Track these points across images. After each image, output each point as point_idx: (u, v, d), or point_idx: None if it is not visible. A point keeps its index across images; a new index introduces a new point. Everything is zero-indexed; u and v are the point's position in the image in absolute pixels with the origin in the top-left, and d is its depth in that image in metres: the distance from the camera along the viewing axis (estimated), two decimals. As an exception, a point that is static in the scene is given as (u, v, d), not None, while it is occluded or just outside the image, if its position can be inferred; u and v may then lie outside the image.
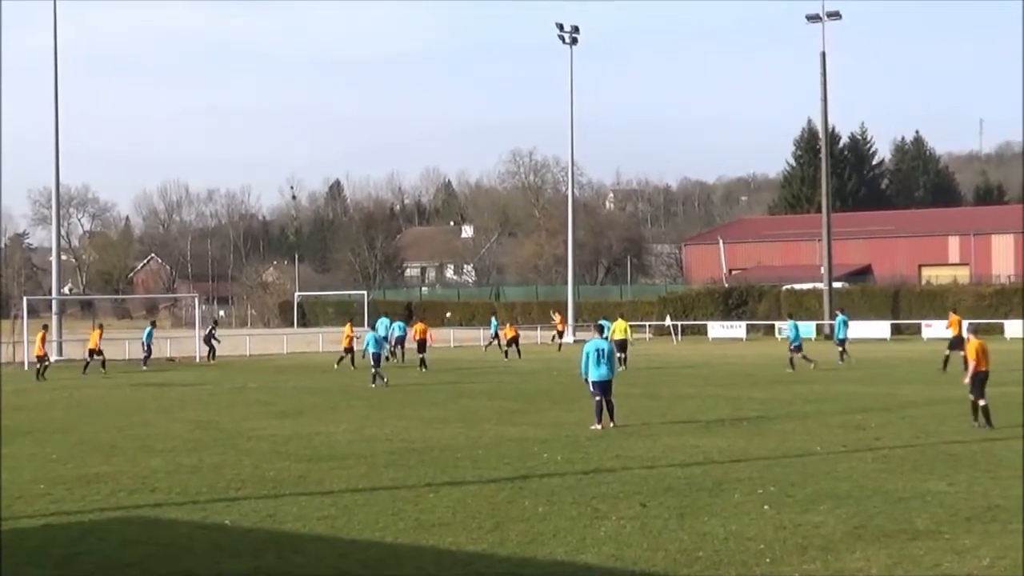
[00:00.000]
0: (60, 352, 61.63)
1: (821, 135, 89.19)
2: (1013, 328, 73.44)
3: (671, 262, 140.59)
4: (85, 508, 16.12)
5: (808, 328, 75.61)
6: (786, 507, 15.14)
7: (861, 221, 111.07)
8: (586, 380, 25.27)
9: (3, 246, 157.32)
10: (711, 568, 12.01)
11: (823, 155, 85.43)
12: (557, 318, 69.05)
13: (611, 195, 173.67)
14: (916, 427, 24.11)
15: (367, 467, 19.51)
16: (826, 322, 74.26)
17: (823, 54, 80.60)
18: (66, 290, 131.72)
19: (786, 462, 19.28)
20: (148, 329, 54.59)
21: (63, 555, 13.09)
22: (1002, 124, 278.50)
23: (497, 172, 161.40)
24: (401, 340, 54.02)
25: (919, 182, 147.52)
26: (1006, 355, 52.17)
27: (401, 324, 56.56)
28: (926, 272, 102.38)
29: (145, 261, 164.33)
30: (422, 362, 47.44)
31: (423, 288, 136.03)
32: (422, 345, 48.63)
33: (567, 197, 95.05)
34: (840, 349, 48.84)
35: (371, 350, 39.61)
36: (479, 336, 76.93)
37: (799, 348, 43.70)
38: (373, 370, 39.34)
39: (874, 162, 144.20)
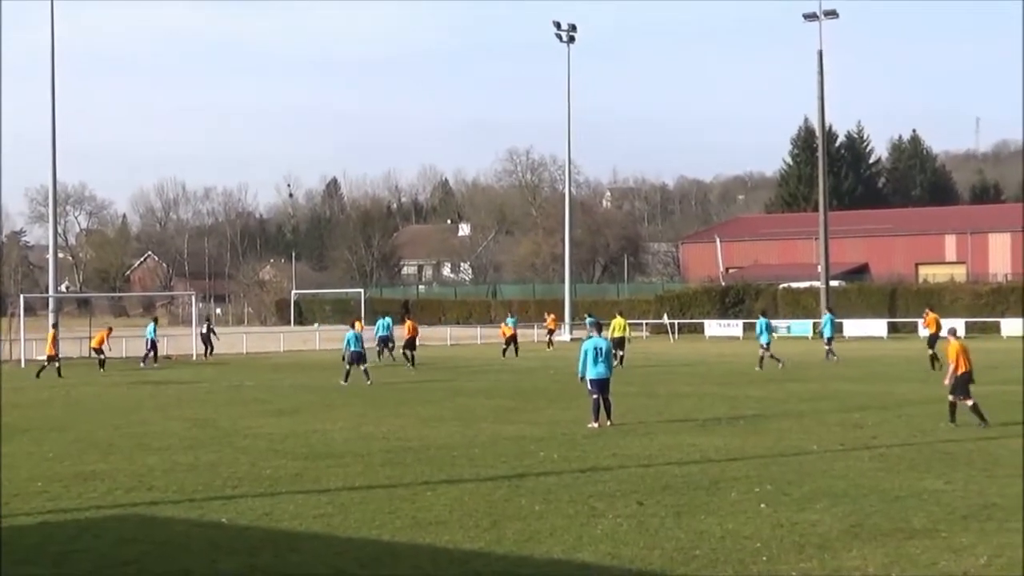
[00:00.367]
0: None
1: (818, 133, 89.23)
2: (1009, 327, 73.56)
3: (668, 260, 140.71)
4: (82, 506, 16.11)
5: (806, 326, 75.81)
6: (783, 505, 15.14)
7: (858, 220, 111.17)
8: (583, 379, 25.28)
9: (0, 244, 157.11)
10: (708, 566, 12.01)
11: (820, 153, 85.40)
12: (550, 318, 68.85)
13: (608, 193, 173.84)
14: (913, 425, 24.11)
15: (364, 465, 19.51)
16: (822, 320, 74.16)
17: (820, 53, 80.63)
18: (63, 288, 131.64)
19: (783, 460, 19.28)
20: (151, 326, 54.42)
21: (60, 552, 13.07)
22: (999, 123, 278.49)
23: (494, 170, 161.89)
24: (384, 339, 53.55)
25: (916, 181, 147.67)
26: (1003, 354, 52.24)
27: (387, 323, 56.39)
28: (923, 271, 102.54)
29: (142, 259, 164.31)
30: (411, 359, 47.45)
31: (420, 286, 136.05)
32: (411, 343, 48.59)
33: (564, 195, 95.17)
34: (827, 348, 49.18)
35: (351, 348, 39.60)
36: (476, 334, 76.97)
37: (768, 347, 43.72)
38: (348, 368, 39.32)
39: (871, 161, 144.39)
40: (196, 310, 69.48)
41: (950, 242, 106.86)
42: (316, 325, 40.27)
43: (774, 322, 79.79)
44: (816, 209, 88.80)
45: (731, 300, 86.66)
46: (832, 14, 79.40)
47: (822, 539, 13.12)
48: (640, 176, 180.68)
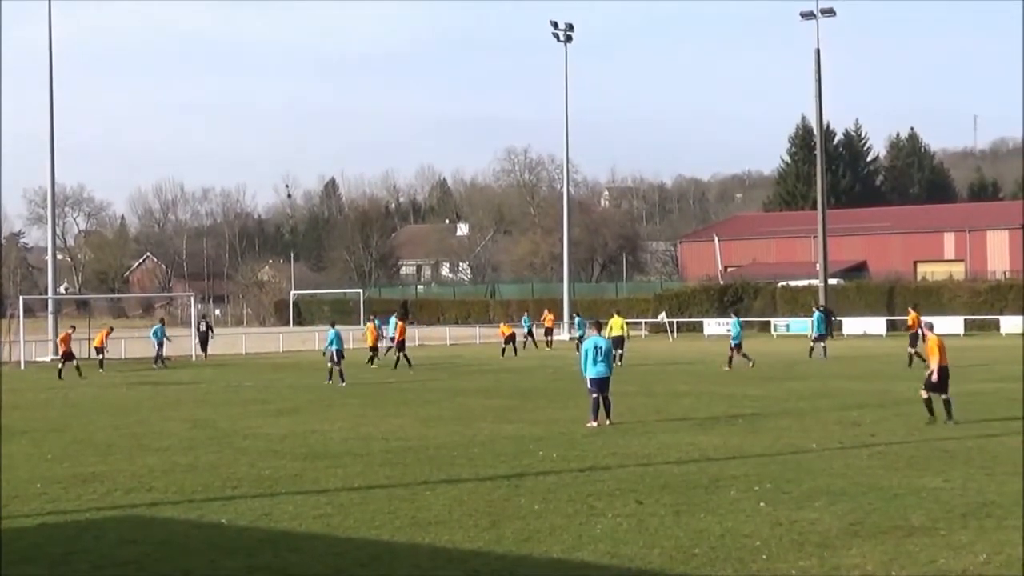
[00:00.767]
0: (56, 352, 61.58)
1: (816, 132, 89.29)
2: (1008, 324, 73.57)
3: (666, 259, 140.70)
4: (81, 507, 16.12)
5: (803, 325, 75.73)
6: (782, 504, 15.15)
7: (856, 218, 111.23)
8: (586, 378, 25.29)
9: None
10: (707, 565, 12.02)
11: (818, 152, 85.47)
12: (548, 316, 68.68)
13: (606, 193, 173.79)
14: (911, 423, 24.12)
15: (363, 465, 19.51)
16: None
17: (818, 51, 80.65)
18: (62, 289, 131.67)
19: (781, 459, 19.29)
20: (158, 327, 54.25)
21: (59, 554, 13.08)
22: (996, 120, 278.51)
23: (492, 170, 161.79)
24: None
25: (914, 178, 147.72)
26: (1002, 351, 52.31)
27: (377, 323, 56.75)
28: (921, 268, 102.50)
29: (141, 260, 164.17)
30: (404, 359, 47.50)
31: (419, 286, 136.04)
32: (401, 344, 48.63)
33: (562, 195, 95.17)
34: (817, 345, 49.38)
35: (334, 347, 39.61)
36: (475, 334, 76.97)
37: (739, 346, 43.68)
38: (330, 367, 39.46)
39: (869, 159, 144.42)
40: (195, 311, 69.44)
41: (948, 240, 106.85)
42: (334, 327, 40.15)
43: (773, 320, 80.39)
44: (814, 207, 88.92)
45: (730, 299, 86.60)
46: (829, 12, 79.48)
47: (821, 537, 13.13)
48: (638, 175, 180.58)
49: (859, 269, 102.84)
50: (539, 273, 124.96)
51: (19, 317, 58.42)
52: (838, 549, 12.55)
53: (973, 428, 23.30)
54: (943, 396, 24.21)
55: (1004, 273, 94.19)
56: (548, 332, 66.76)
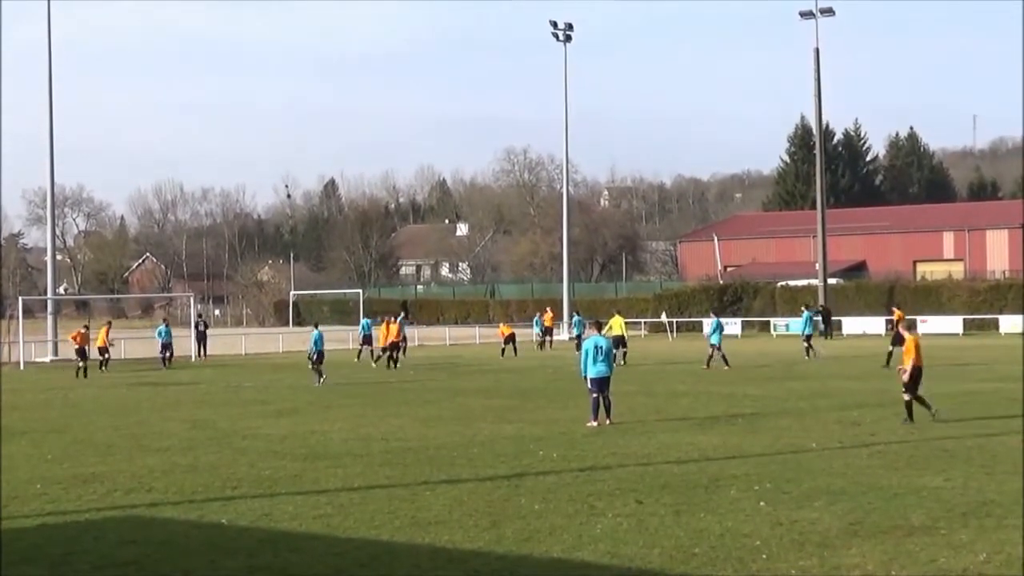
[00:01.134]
0: (56, 352, 61.63)
1: (815, 131, 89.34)
2: (1007, 324, 73.58)
3: (666, 259, 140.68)
4: (81, 507, 16.12)
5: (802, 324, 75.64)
6: (782, 503, 15.16)
7: (856, 217, 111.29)
8: (586, 378, 25.28)
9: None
10: (707, 565, 12.02)
11: (817, 151, 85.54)
12: (547, 315, 68.45)
13: (606, 192, 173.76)
14: (911, 423, 24.11)
15: (363, 466, 19.52)
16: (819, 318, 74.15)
17: (816, 51, 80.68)
18: (61, 290, 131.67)
19: (781, 459, 19.29)
20: (163, 327, 54.09)
21: (59, 554, 13.09)
22: (996, 120, 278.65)
23: (492, 170, 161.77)
24: (367, 339, 54.47)
25: (913, 178, 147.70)
26: (1001, 351, 52.31)
27: (367, 323, 57.09)
28: (921, 268, 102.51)
29: (140, 260, 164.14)
30: (394, 360, 47.63)
31: (418, 286, 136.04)
32: (394, 346, 48.70)
33: (562, 195, 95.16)
34: (806, 345, 49.43)
35: (316, 348, 39.76)
36: (475, 334, 76.95)
37: (719, 347, 43.62)
38: (312, 367, 39.60)
39: (868, 158, 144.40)
40: (194, 312, 69.42)
41: (948, 239, 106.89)
42: (317, 328, 40.37)
43: (773, 320, 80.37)
44: (814, 207, 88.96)
45: (729, 299, 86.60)
46: (829, 12, 79.53)
47: (821, 537, 13.13)
48: (638, 175, 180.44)
49: (858, 269, 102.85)
50: (539, 273, 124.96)
51: (18, 318, 58.43)
52: (838, 549, 12.55)
53: (973, 427, 23.31)
54: (905, 396, 24.22)
55: (1003, 272, 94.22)
56: (547, 332, 66.66)
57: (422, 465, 19.45)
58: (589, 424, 24.50)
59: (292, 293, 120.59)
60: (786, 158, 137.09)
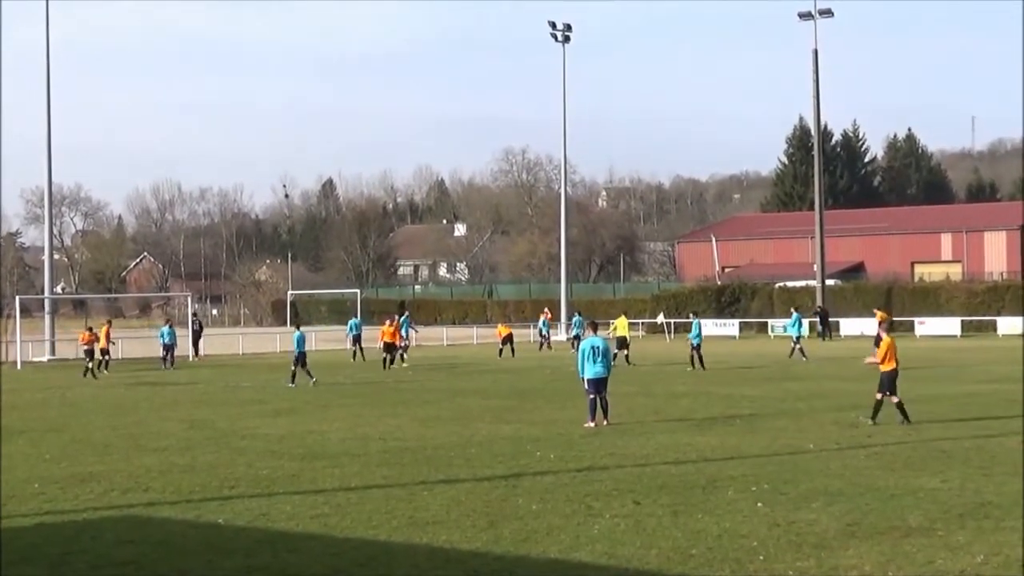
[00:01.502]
0: (53, 351, 61.61)
1: (813, 132, 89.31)
2: (1005, 325, 73.61)
3: (664, 260, 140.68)
4: (79, 507, 16.11)
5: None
6: (779, 504, 15.16)
7: (854, 218, 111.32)
8: (583, 379, 25.27)
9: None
10: (704, 566, 12.02)
11: (816, 152, 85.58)
12: (547, 316, 68.34)
13: (604, 193, 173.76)
14: (908, 424, 24.12)
15: (360, 465, 19.51)
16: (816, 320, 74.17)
17: (815, 52, 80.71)
18: (59, 289, 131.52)
19: (779, 460, 19.30)
20: (166, 328, 53.82)
21: (57, 554, 13.08)
22: (994, 121, 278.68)
23: (490, 170, 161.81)
24: (357, 339, 55.17)
25: (911, 179, 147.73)
26: (999, 352, 52.34)
27: (355, 323, 57.17)
28: (919, 269, 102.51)
29: (138, 260, 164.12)
30: (387, 360, 47.67)
31: (416, 286, 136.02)
32: (390, 345, 48.63)
33: (560, 195, 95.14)
34: (797, 346, 49.53)
35: (298, 349, 39.73)
36: (472, 335, 76.93)
37: (698, 347, 43.64)
38: (293, 368, 39.53)
39: (867, 159, 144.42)
40: (191, 311, 69.38)
41: (946, 241, 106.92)
42: (299, 329, 40.70)
43: (771, 321, 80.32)
44: (812, 208, 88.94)
45: (727, 299, 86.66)
46: (827, 13, 79.57)
47: (819, 538, 13.13)
48: (636, 175, 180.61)
49: (856, 270, 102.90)
50: (537, 273, 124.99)
51: (15, 317, 58.36)
52: (835, 550, 12.55)
53: (970, 429, 23.32)
54: (893, 399, 24.23)
55: (1001, 274, 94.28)
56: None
57: (420, 465, 19.45)
58: (586, 425, 24.50)
59: (290, 293, 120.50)
60: (784, 159, 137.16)
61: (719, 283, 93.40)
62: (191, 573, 12.19)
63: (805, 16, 79.91)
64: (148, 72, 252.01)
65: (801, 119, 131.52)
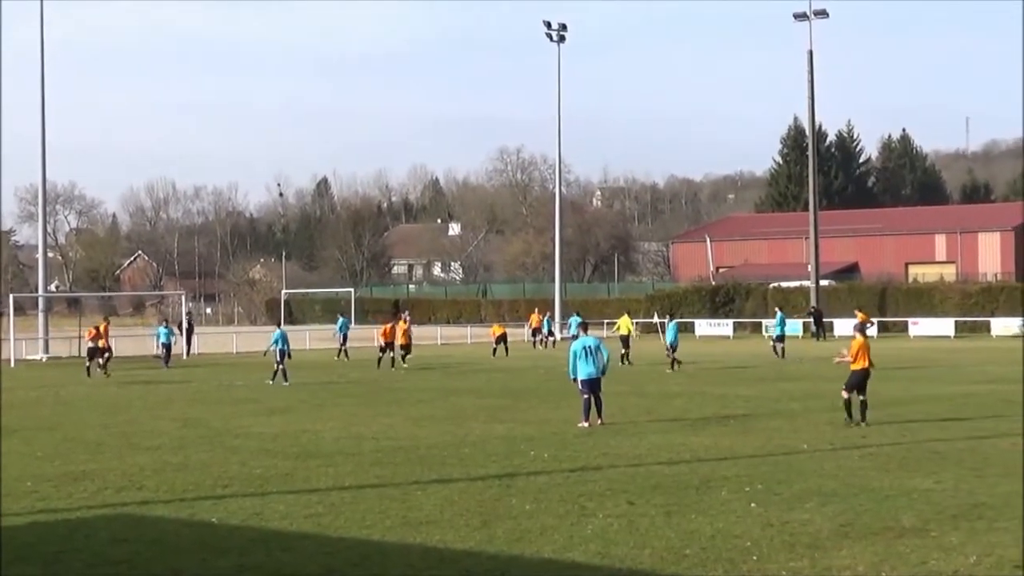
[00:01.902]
0: (47, 350, 61.53)
1: (808, 133, 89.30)
2: (999, 326, 73.70)
3: (658, 260, 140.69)
4: (72, 506, 16.10)
5: (795, 326, 75.77)
6: (773, 505, 15.17)
7: (848, 219, 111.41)
8: (575, 380, 25.25)
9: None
10: (698, 566, 12.03)
11: (810, 153, 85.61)
12: (536, 317, 67.89)
13: (598, 193, 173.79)
14: (902, 425, 24.14)
15: (354, 465, 19.50)
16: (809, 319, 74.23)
17: (810, 53, 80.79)
18: (52, 287, 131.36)
19: (773, 460, 19.31)
20: (163, 328, 53.63)
21: (51, 553, 13.07)
22: (989, 121, 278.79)
23: (484, 170, 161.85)
24: (345, 338, 55.77)
25: (906, 180, 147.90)
26: (993, 353, 52.40)
27: (344, 322, 57.31)
28: (913, 270, 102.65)
29: (132, 258, 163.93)
30: (393, 360, 47.68)
31: (410, 286, 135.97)
32: (390, 345, 48.60)
33: (554, 195, 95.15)
34: (780, 345, 49.71)
35: (278, 347, 39.88)
36: (466, 334, 76.90)
37: (674, 348, 43.54)
38: (277, 367, 39.64)
39: (861, 160, 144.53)
40: (185, 310, 69.32)
41: (940, 241, 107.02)
42: (280, 328, 41.18)
43: (765, 322, 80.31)
44: (806, 208, 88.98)
45: (721, 300, 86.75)
46: (822, 14, 79.61)
47: (812, 538, 13.14)
48: (630, 175, 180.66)
49: (850, 270, 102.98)
50: (531, 273, 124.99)
51: (9, 315, 58.29)
52: (829, 550, 12.56)
53: (964, 429, 23.34)
54: (860, 397, 24.28)
55: (995, 275, 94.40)
56: (536, 332, 66.51)
57: (413, 464, 19.45)
58: (580, 424, 24.49)
59: (284, 292, 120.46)
60: (779, 159, 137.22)
61: (713, 283, 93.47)
62: (185, 572, 12.18)
63: (800, 17, 79.97)
64: (146, 72, 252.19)
65: (796, 119, 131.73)
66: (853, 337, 25.75)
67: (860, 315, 50.19)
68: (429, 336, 73.97)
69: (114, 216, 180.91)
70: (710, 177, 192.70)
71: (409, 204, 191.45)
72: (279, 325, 42.73)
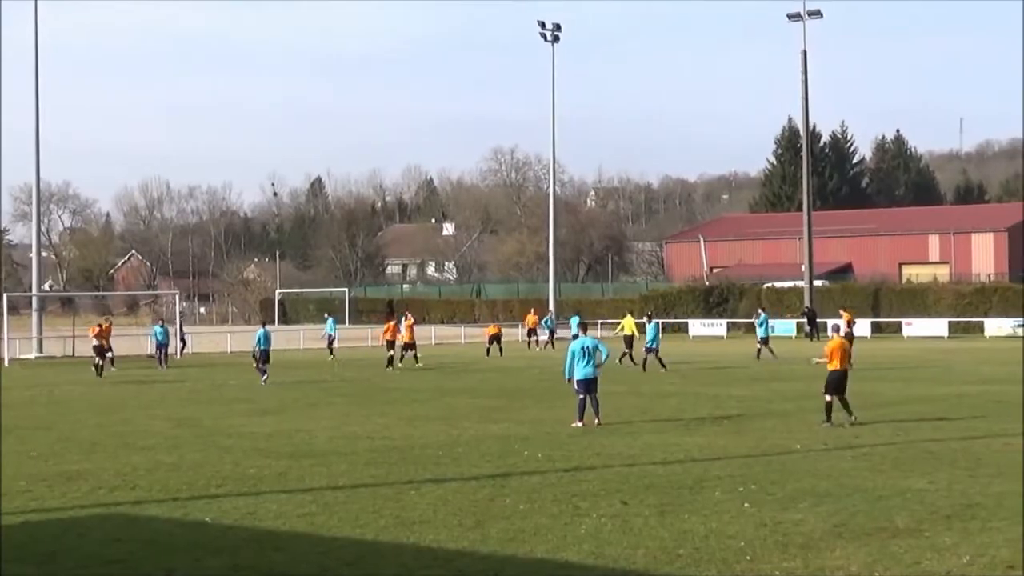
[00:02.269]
0: (40, 349, 61.49)
1: (802, 133, 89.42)
2: (992, 327, 73.79)
3: (653, 260, 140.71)
4: (66, 505, 16.10)
5: (789, 326, 75.87)
6: (766, 505, 15.18)
7: (842, 219, 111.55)
8: (570, 381, 25.26)
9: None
10: (691, 566, 12.04)
11: (804, 153, 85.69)
12: (531, 319, 67.69)
13: (592, 193, 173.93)
14: (896, 425, 24.18)
15: (348, 464, 19.50)
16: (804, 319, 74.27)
17: (804, 53, 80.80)
18: (46, 287, 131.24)
19: (766, 460, 19.32)
20: (159, 327, 53.39)
21: (45, 552, 13.06)
22: (983, 122, 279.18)
23: (479, 170, 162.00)
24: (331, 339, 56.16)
25: (899, 180, 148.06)
26: (985, 353, 52.45)
27: (331, 321, 57.69)
28: (906, 270, 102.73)
29: (126, 258, 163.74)
30: (391, 360, 47.48)
31: (404, 285, 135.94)
32: (391, 344, 48.29)
33: (549, 195, 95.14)
34: (766, 347, 49.61)
35: (260, 347, 40.01)
36: (460, 334, 76.91)
37: (655, 349, 43.28)
38: (256, 366, 39.85)
39: (855, 160, 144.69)
40: (179, 309, 69.32)
41: (934, 242, 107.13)
42: (264, 327, 41.33)
43: (758, 322, 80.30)
44: (800, 209, 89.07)
45: (715, 300, 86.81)
46: (816, 14, 79.67)
47: (805, 538, 13.16)
48: (625, 175, 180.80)
49: (844, 271, 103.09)
50: (525, 273, 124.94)
51: (3, 314, 58.24)
52: (822, 550, 12.58)
53: (958, 430, 23.36)
54: (828, 398, 24.53)
55: (988, 276, 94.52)
56: (531, 332, 66.45)
57: (407, 464, 19.45)
58: (574, 424, 24.50)
59: (278, 291, 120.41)
60: (773, 160, 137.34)
61: (707, 283, 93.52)
62: (178, 571, 12.18)
63: (794, 17, 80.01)
64: (138, 71, 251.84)
65: (790, 120, 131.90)
66: (831, 337, 25.87)
67: (845, 315, 50.32)
68: (424, 336, 73.93)
69: (108, 215, 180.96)
70: (704, 177, 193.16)
71: (403, 204, 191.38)
72: (264, 325, 42.76)
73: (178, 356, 57.40)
